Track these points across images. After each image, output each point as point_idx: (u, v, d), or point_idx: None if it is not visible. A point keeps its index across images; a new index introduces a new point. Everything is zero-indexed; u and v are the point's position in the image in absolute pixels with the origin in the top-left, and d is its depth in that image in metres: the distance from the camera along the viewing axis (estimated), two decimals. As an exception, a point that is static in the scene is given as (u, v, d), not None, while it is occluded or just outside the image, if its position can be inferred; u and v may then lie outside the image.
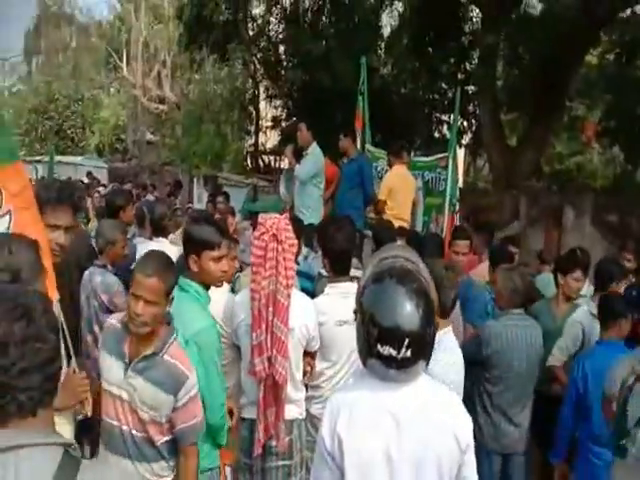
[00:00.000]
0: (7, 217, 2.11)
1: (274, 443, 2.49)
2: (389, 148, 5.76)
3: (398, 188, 5.47)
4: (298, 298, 2.54)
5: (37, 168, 14.32)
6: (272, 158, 12.71)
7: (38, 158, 15.83)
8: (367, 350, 1.46)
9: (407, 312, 1.41)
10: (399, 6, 10.58)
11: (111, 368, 2.06)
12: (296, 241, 2.57)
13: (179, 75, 15.55)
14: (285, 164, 12.55)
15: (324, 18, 10.49)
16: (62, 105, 18.60)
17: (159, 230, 4.09)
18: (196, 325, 2.21)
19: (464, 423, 1.49)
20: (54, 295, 2.10)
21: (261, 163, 12.65)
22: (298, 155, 5.84)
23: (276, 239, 2.46)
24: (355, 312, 1.53)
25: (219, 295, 2.63)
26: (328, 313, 2.65)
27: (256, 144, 12.63)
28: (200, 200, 10.99)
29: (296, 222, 3.02)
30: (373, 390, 1.46)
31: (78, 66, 21.78)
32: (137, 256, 3.97)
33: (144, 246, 4.12)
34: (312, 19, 10.33)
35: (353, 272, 3.28)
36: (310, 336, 2.56)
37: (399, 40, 10.28)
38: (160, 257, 2.08)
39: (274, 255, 2.46)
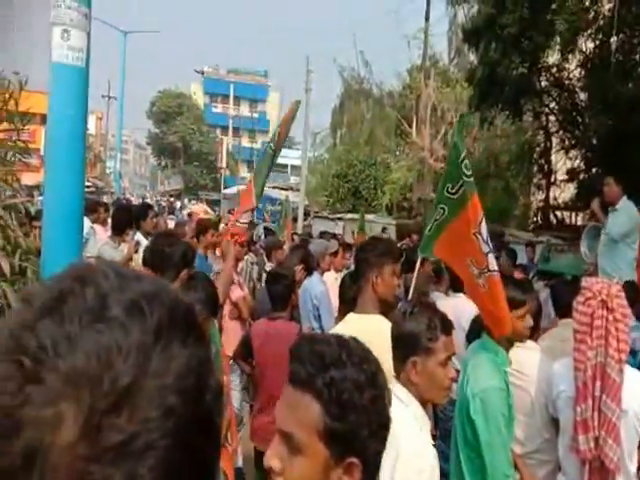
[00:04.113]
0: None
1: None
2: None
3: None
4: (633, 377, 2.20)
5: (338, 224, 16.45)
6: (566, 214, 11.68)
7: (339, 216, 18.20)
8: None
9: None
10: None
11: None
12: (629, 311, 2.26)
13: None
14: (581, 220, 11.39)
15: (637, 56, 9.38)
16: (358, 170, 21.04)
17: (456, 285, 4.14)
18: (485, 383, 2.16)
19: None
20: None
21: (553, 219, 11.75)
22: (605, 211, 5.33)
23: (606, 306, 2.22)
24: None
25: (527, 353, 2.51)
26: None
27: (547, 199, 11.83)
28: (484, 256, 10.75)
29: (627, 290, 2.66)
30: None
31: (372, 134, 24.50)
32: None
33: (441, 301, 4.24)
34: (621, 60, 9.36)
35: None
36: None
37: None
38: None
39: (603, 324, 2.21)
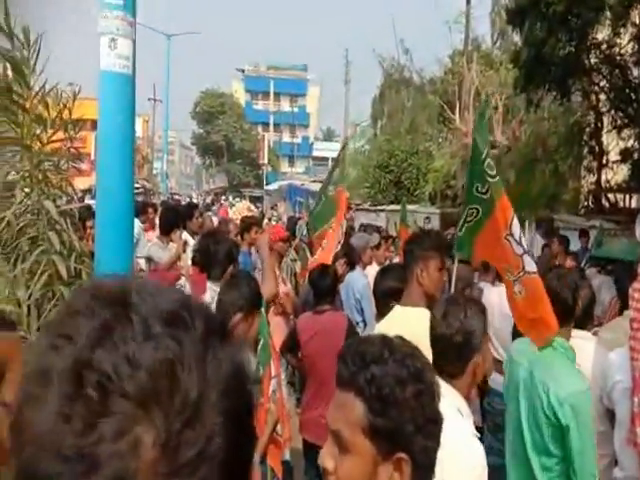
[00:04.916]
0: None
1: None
2: None
3: None
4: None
5: (380, 215, 16.35)
6: (620, 196, 11.16)
7: (381, 207, 18.08)
8: None
9: None
10: None
11: None
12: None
13: (510, 118, 15.48)
14: (635, 202, 10.85)
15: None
16: (400, 159, 20.78)
17: (505, 275, 4.05)
18: (572, 387, 2.06)
19: None
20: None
21: (605, 203, 11.24)
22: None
23: None
24: None
25: (582, 343, 2.43)
26: None
27: (598, 181, 11.33)
28: (532, 245, 10.45)
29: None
30: None
31: (414, 123, 24.14)
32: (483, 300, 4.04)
33: (487, 290, 4.16)
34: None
35: None
36: None
37: None
38: None
39: None
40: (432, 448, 0.96)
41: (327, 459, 0.98)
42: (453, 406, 1.59)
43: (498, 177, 2.50)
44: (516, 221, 2.40)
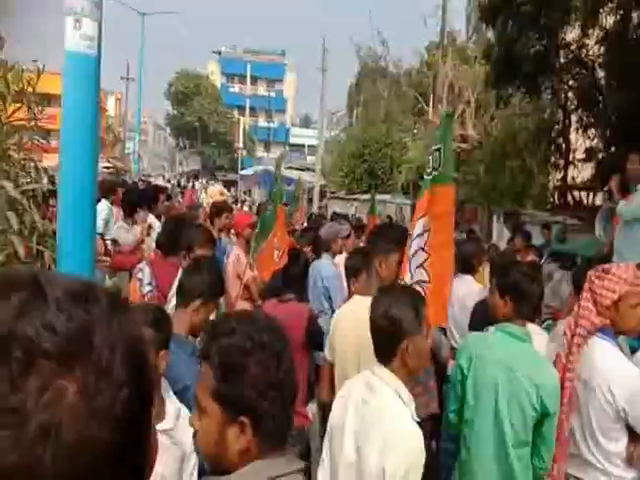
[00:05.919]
0: (425, 235, 2.42)
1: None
2: None
3: None
4: (609, 354, 2.22)
5: (354, 204, 16.46)
6: (584, 194, 11.50)
7: (355, 196, 18.18)
8: None
9: None
10: None
11: None
12: (609, 293, 2.26)
13: (482, 113, 15.71)
14: (599, 200, 11.21)
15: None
16: (374, 149, 20.90)
17: (467, 268, 4.16)
18: (552, 374, 2.15)
19: None
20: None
21: (570, 199, 11.58)
22: (625, 189, 5.20)
23: (579, 291, 2.28)
24: None
25: (535, 337, 2.55)
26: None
27: (565, 178, 11.66)
28: (500, 237, 10.73)
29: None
30: None
31: (389, 113, 24.25)
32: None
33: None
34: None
35: None
36: (619, 407, 2.12)
37: None
38: None
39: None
40: (280, 415, 1.05)
41: (193, 421, 1.11)
42: (393, 390, 1.68)
43: (434, 174, 2.46)
44: (420, 224, 2.38)
